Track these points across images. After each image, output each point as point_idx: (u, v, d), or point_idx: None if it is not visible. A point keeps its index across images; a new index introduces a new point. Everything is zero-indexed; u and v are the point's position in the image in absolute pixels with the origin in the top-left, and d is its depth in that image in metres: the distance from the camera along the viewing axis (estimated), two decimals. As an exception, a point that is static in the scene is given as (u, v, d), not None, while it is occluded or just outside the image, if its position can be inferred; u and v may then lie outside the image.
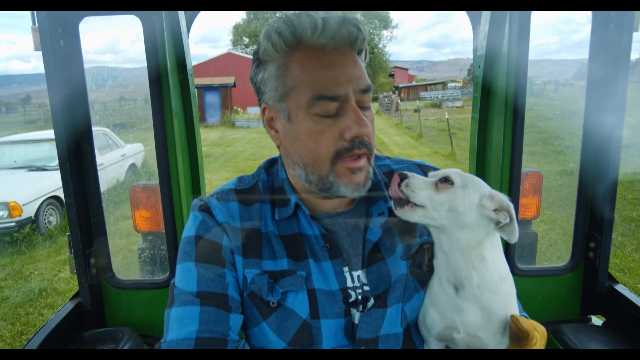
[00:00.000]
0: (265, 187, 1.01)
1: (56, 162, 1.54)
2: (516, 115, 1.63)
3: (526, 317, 0.93)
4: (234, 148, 15.47)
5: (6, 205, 6.09)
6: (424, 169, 1.08)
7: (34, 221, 6.40)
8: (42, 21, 1.40)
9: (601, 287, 1.67)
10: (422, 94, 51.90)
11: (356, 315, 0.94)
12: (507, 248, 1.72)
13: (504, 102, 1.63)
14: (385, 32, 51.32)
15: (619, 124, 1.54)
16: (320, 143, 0.86)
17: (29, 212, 6.32)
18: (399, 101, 30.48)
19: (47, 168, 7.16)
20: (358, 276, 0.96)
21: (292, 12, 0.88)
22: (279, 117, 0.91)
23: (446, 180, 0.86)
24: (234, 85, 24.88)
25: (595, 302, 1.73)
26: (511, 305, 0.90)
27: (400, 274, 0.96)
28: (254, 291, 0.93)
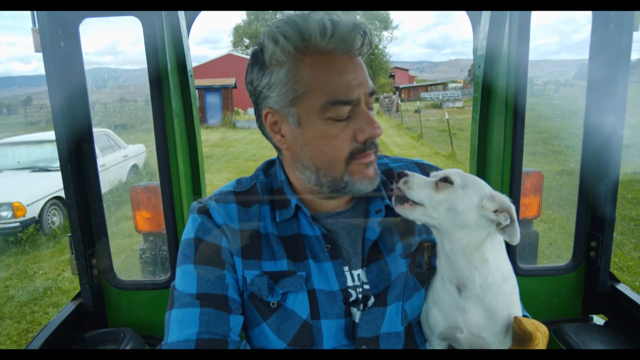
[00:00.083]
0: (263, 188, 1.01)
1: (59, 163, 1.54)
2: (516, 115, 1.63)
3: (528, 317, 0.93)
4: (235, 149, 15.50)
5: (10, 206, 6.16)
6: (422, 168, 1.08)
7: (37, 221, 6.47)
8: (42, 22, 1.41)
9: (603, 287, 1.67)
10: (423, 94, 51.92)
11: (357, 315, 0.94)
12: (509, 248, 1.71)
13: (504, 102, 1.63)
14: (385, 33, 51.38)
15: (619, 124, 1.54)
16: (334, 146, 0.87)
17: (33, 212, 6.39)
18: (399, 102, 30.48)
19: (50, 169, 7.20)
20: (358, 275, 0.96)
21: (293, 14, 0.88)
22: (287, 122, 0.90)
23: (446, 180, 0.87)
24: (235, 87, 24.91)
25: (597, 302, 1.73)
26: (514, 305, 0.90)
27: (400, 272, 0.96)
28: (254, 292, 0.93)
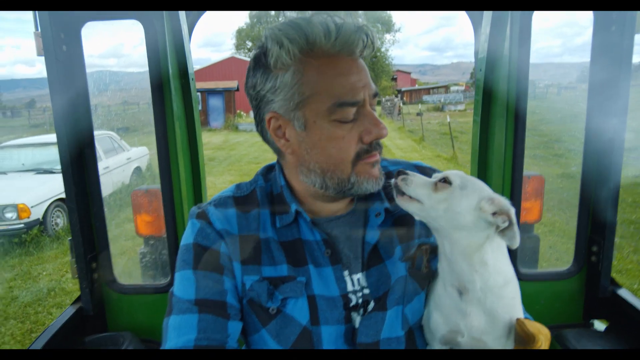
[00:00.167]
0: (263, 193, 1.01)
1: (60, 166, 1.55)
2: (517, 119, 1.63)
3: (530, 320, 0.93)
4: (237, 151, 15.53)
5: (15, 207, 6.23)
6: (422, 170, 1.08)
7: (41, 223, 6.53)
8: (44, 26, 1.41)
9: (604, 292, 1.66)
10: (425, 97, 51.92)
11: (357, 320, 0.94)
12: (509, 252, 1.71)
13: (505, 105, 1.63)
14: (387, 36, 51.40)
15: (621, 127, 1.54)
16: (341, 148, 0.88)
17: (37, 214, 6.46)
18: (401, 105, 30.50)
19: (54, 171, 7.26)
20: (358, 279, 0.96)
21: (295, 16, 0.88)
22: (292, 125, 0.89)
23: (445, 181, 0.87)
24: (238, 89, 24.98)
25: (598, 307, 1.72)
26: (516, 309, 0.89)
27: (399, 275, 0.96)
28: (253, 298, 0.93)
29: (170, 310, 0.91)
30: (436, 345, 0.95)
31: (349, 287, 0.95)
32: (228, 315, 0.91)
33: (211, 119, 24.58)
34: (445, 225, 0.86)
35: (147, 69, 1.58)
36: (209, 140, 18.90)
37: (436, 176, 0.91)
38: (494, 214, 0.83)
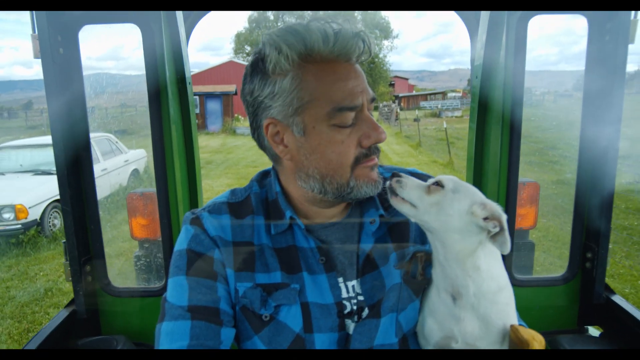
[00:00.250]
0: (258, 199, 1.00)
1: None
2: (513, 125, 1.64)
3: (525, 327, 0.93)
4: (235, 155, 15.54)
5: (13, 208, 6.27)
6: (418, 177, 1.08)
7: (39, 224, 6.58)
8: (41, 29, 1.41)
9: (598, 298, 1.66)
10: (422, 103, 52.11)
11: (351, 327, 0.93)
12: (504, 258, 1.71)
13: (501, 112, 1.64)
14: (385, 42, 51.69)
15: (615, 135, 1.55)
16: (340, 153, 0.88)
17: (35, 214, 6.50)
18: (398, 110, 30.61)
19: (52, 172, 7.30)
20: (353, 286, 0.96)
21: (294, 22, 0.89)
22: (291, 131, 0.89)
23: (438, 184, 0.88)
24: (236, 93, 25.00)
25: (592, 313, 1.72)
26: (510, 316, 0.89)
27: (394, 283, 0.96)
28: (246, 305, 0.92)
29: (162, 317, 0.91)
30: None
31: (344, 294, 0.95)
32: (221, 322, 0.90)
33: (209, 123, 24.58)
34: (438, 228, 0.87)
35: (144, 72, 1.59)
36: (206, 143, 18.90)
37: (430, 180, 0.92)
38: (485, 218, 0.83)
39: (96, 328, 1.74)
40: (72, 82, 1.53)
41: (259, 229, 0.97)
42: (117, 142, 9.12)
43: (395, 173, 0.93)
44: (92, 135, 1.63)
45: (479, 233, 0.84)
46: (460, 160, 12.10)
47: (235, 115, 25.72)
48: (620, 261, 5.30)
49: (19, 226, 6.28)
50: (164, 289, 1.73)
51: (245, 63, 0.95)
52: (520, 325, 0.95)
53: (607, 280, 1.66)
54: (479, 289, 0.85)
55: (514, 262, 1.77)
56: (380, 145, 0.94)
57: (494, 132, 1.69)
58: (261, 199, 1.01)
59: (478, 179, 1.79)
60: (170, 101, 1.62)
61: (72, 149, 1.56)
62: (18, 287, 5.16)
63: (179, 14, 1.62)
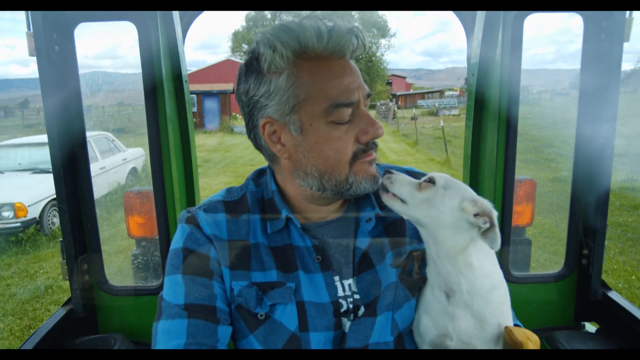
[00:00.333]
0: (253, 198, 1.00)
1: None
2: (509, 123, 1.64)
3: (520, 327, 0.93)
4: (232, 153, 15.54)
5: (12, 206, 6.30)
6: (413, 175, 1.09)
7: (38, 222, 6.61)
8: (37, 27, 1.41)
9: (594, 294, 1.67)
10: (420, 102, 52.16)
11: (347, 325, 0.94)
12: (501, 255, 1.72)
13: (497, 110, 1.64)
14: (383, 41, 51.64)
15: (610, 133, 1.56)
16: (338, 149, 0.88)
17: (34, 213, 6.53)
18: (396, 109, 30.62)
19: (50, 171, 7.21)
20: (349, 285, 0.96)
21: (287, 20, 0.88)
22: (288, 129, 0.89)
23: (430, 181, 0.89)
24: (233, 92, 24.90)
25: (589, 309, 1.73)
26: (504, 314, 0.90)
27: (390, 281, 0.96)
28: (241, 304, 0.92)
29: (159, 315, 0.91)
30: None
31: (340, 293, 0.95)
32: (217, 320, 0.90)
33: (206, 121, 24.54)
34: (429, 224, 0.87)
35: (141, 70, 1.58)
36: (204, 142, 18.89)
37: (422, 178, 0.93)
38: (475, 215, 0.84)
39: (93, 327, 1.74)
40: (67, 80, 1.53)
41: (254, 228, 0.96)
42: (113, 140, 9.13)
43: (387, 170, 0.93)
44: (90, 133, 1.63)
45: (470, 229, 0.85)
46: (457, 158, 12.14)
47: (233, 114, 25.68)
48: (614, 257, 5.41)
49: (19, 224, 6.32)
50: (161, 287, 1.72)
51: (243, 61, 0.95)
52: (515, 325, 0.95)
53: (602, 275, 1.68)
54: (471, 286, 0.86)
55: (511, 259, 1.77)
56: (378, 143, 0.94)
57: (490, 130, 1.69)
58: (257, 198, 1.00)
59: (475, 177, 1.79)
60: (167, 99, 1.62)
61: (68, 147, 1.55)
62: (18, 285, 5.20)
63: (175, 12, 1.62)
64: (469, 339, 0.88)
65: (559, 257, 1.81)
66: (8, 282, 5.29)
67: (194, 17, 1.83)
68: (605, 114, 1.56)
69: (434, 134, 19.07)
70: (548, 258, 5.23)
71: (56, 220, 6.96)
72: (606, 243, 1.67)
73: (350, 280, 0.96)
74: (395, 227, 1.01)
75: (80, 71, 1.57)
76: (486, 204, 0.86)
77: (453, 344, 0.89)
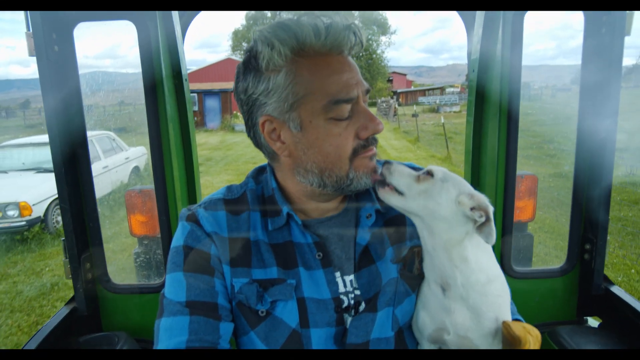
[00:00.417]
0: (253, 196, 1.00)
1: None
2: (510, 119, 1.64)
3: (520, 321, 0.93)
4: (234, 152, 15.57)
5: (17, 205, 6.39)
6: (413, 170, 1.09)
7: (43, 220, 6.69)
8: (36, 27, 1.41)
9: (597, 289, 1.67)
10: (420, 99, 52.03)
11: (348, 320, 0.94)
12: (503, 250, 1.72)
13: (498, 106, 1.64)
14: (383, 38, 51.51)
15: (612, 128, 1.55)
16: (338, 146, 0.88)
17: (38, 212, 6.61)
18: (397, 106, 30.58)
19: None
20: (351, 281, 0.96)
21: (284, 18, 0.88)
22: (287, 127, 0.89)
23: (428, 174, 0.89)
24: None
25: (591, 304, 1.73)
26: (502, 308, 0.90)
27: (391, 277, 0.96)
28: (242, 301, 0.93)
29: (161, 313, 0.91)
30: (425, 344, 0.96)
31: (341, 289, 0.95)
32: (219, 317, 0.90)
33: (208, 120, 24.56)
34: (426, 216, 0.87)
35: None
36: (205, 140, 18.92)
37: (421, 171, 0.93)
38: (472, 209, 0.84)
39: (97, 325, 1.75)
40: (67, 79, 1.53)
41: (255, 225, 0.96)
42: (114, 139, 9.17)
43: (386, 161, 0.93)
44: (92, 133, 1.64)
45: (465, 223, 0.85)
46: (458, 155, 12.13)
47: (234, 112, 25.71)
48: (614, 251, 5.46)
49: (24, 223, 6.40)
50: (163, 285, 1.74)
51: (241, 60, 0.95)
52: (516, 320, 0.95)
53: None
54: (467, 280, 0.86)
55: (513, 254, 1.77)
56: (379, 140, 0.94)
57: (491, 126, 1.69)
58: (257, 195, 1.01)
59: (476, 172, 1.79)
60: (167, 98, 1.62)
61: (69, 147, 1.56)
62: (25, 282, 5.26)
63: (175, 11, 1.62)
64: (465, 333, 0.88)
65: (558, 252, 1.82)
66: (15, 279, 5.36)
67: (193, 15, 1.83)
68: (606, 109, 1.55)
69: (434, 131, 19.05)
70: (548, 252, 5.28)
71: (60, 218, 6.99)
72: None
73: (352, 276, 0.96)
74: (395, 223, 1.01)
75: (80, 71, 1.57)
76: (482, 198, 0.86)
77: (450, 338, 0.90)
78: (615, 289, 1.64)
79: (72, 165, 1.59)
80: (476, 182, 1.76)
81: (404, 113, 29.01)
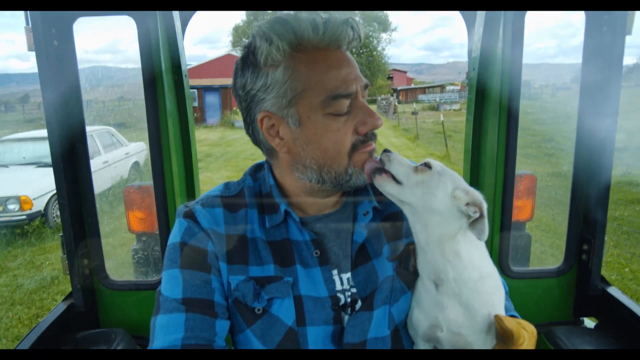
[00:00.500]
0: (251, 193, 1.00)
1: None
2: (510, 118, 1.64)
3: (516, 317, 0.93)
4: (234, 148, 15.57)
5: (17, 199, 6.42)
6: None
7: (43, 214, 6.73)
8: (35, 21, 1.40)
9: (594, 290, 1.68)
10: (420, 96, 51.96)
11: (345, 319, 0.94)
12: (501, 250, 1.72)
13: (498, 104, 1.64)
14: (384, 35, 51.38)
15: (612, 128, 1.55)
16: (337, 141, 0.88)
17: (39, 206, 6.65)
18: (396, 103, 30.55)
19: (54, 165, 7.35)
20: (348, 279, 0.96)
21: (282, 13, 0.88)
22: (286, 123, 0.89)
23: (426, 165, 0.89)
24: (233, 87, 24.84)
25: (588, 304, 1.74)
26: (495, 305, 0.90)
27: (387, 275, 0.96)
28: (238, 298, 0.92)
29: (157, 310, 0.91)
30: (420, 343, 0.96)
31: (338, 287, 0.95)
32: (215, 314, 0.90)
33: (207, 116, 24.52)
34: (419, 206, 0.87)
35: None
36: (205, 136, 18.90)
37: (419, 163, 0.93)
38: (467, 204, 0.84)
39: (94, 321, 1.75)
40: (67, 74, 1.52)
41: (252, 222, 0.96)
42: (114, 134, 9.18)
43: (386, 149, 0.93)
44: (92, 128, 1.63)
45: (459, 218, 0.85)
46: (457, 153, 12.14)
47: (234, 108, 25.65)
48: (608, 250, 5.51)
49: (24, 217, 6.43)
50: (161, 282, 1.74)
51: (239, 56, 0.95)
52: (512, 316, 0.95)
53: (597, 269, 1.68)
54: (459, 276, 0.86)
55: (511, 254, 1.77)
56: (379, 138, 0.93)
57: (491, 124, 1.68)
58: (255, 192, 1.00)
59: (475, 171, 1.79)
60: (167, 93, 1.61)
61: (68, 142, 1.55)
62: (25, 276, 5.30)
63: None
64: (458, 329, 0.89)
65: (555, 250, 1.82)
66: (15, 273, 5.40)
67: (193, 11, 1.82)
68: (606, 109, 1.55)
69: (434, 129, 19.04)
70: (544, 251, 5.32)
71: (60, 213, 7.06)
72: (603, 237, 1.67)
73: (348, 274, 0.96)
74: (392, 220, 1.01)
75: (80, 66, 1.56)
76: (477, 194, 0.86)
77: (444, 336, 0.90)
78: (612, 290, 1.64)
79: (70, 160, 1.58)
80: (475, 181, 1.76)
81: (404, 110, 29.01)
